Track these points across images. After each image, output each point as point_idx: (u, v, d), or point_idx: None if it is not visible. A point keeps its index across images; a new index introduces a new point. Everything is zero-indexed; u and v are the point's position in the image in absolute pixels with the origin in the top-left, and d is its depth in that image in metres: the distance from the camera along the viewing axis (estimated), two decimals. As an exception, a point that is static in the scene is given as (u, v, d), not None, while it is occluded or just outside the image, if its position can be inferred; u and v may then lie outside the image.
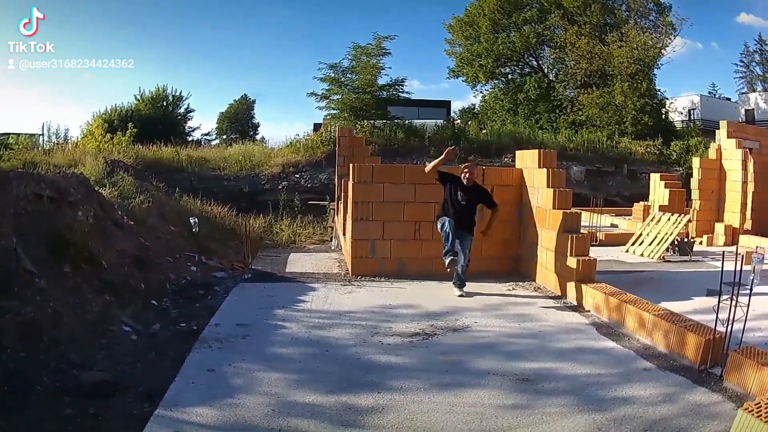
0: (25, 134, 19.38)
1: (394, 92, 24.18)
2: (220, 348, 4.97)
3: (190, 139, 33.80)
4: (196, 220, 10.53)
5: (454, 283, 7.28)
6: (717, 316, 4.62)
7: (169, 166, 19.80)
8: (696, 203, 13.39)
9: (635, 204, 15.80)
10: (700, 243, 12.41)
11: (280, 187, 19.85)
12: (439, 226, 7.26)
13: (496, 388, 4.25)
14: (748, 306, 4.62)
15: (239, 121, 54.05)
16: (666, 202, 13.58)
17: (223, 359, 4.67)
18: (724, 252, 5.18)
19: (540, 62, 31.85)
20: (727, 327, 4.51)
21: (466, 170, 7.35)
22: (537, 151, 8.11)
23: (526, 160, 8.44)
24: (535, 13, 29.81)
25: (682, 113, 34.20)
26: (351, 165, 8.52)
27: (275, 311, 6.22)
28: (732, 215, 13.07)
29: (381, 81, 24.13)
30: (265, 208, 17.96)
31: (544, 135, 24.16)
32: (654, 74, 27.91)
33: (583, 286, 6.67)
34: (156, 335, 5.44)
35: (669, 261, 10.21)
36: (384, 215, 8.24)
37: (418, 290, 7.43)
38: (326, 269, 8.87)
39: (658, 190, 14.52)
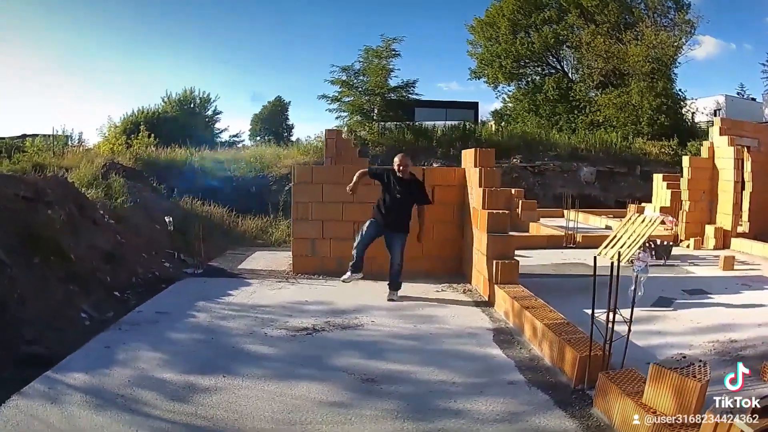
0: (41, 136, 19.96)
1: (405, 94, 24.13)
2: (128, 330, 5.52)
3: (218, 140, 34.33)
4: (171, 219, 10.86)
5: (351, 270, 7.09)
6: (591, 331, 4.23)
7: (181, 167, 20.27)
8: (685, 204, 12.74)
9: (629, 205, 15.27)
10: (687, 246, 11.97)
11: (286, 188, 20.03)
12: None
13: (335, 384, 4.27)
14: (630, 320, 4.18)
15: (273, 123, 54.89)
16: (668, 203, 13.12)
17: (122, 339, 5.22)
18: (613, 262, 4.45)
19: (562, 63, 31.24)
20: (605, 343, 4.13)
21: (399, 162, 7.12)
22: (474, 150, 7.94)
23: (467, 159, 8.30)
24: (555, 13, 29.25)
25: (704, 113, 33.09)
26: (293, 167, 8.61)
27: (198, 303, 6.59)
28: (724, 217, 12.34)
29: (392, 83, 24.17)
30: (271, 208, 18.18)
31: (558, 136, 23.63)
32: (675, 74, 27.24)
33: (500, 289, 6.49)
34: (107, 321, 5.85)
35: (638, 265, 9.79)
36: (324, 215, 8.31)
37: (345, 288, 7.32)
38: (276, 267, 8.98)
39: (661, 191, 14.01)
